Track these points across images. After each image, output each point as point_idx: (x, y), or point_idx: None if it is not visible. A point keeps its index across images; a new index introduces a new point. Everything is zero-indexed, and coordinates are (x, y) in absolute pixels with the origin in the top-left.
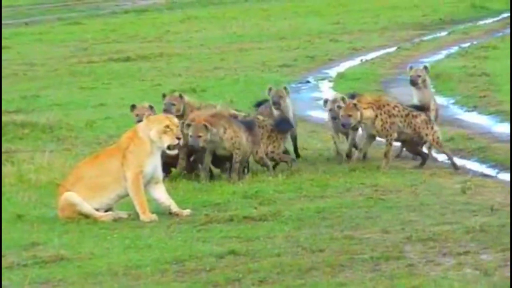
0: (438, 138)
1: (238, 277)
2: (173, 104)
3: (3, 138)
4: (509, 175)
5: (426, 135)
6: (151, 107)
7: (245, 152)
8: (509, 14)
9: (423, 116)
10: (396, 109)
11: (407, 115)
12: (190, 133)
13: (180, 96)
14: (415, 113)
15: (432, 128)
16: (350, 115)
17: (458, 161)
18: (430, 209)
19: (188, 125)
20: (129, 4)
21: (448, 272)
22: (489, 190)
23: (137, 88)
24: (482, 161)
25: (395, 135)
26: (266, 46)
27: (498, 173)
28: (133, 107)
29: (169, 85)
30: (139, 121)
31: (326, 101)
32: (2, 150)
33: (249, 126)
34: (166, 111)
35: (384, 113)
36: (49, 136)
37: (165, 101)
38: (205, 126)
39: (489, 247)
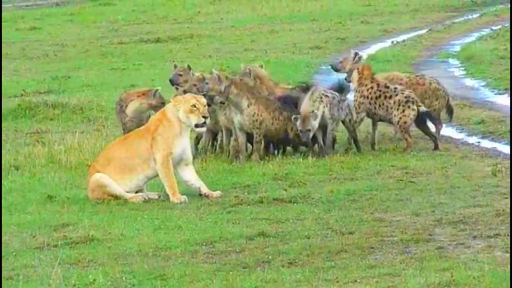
0: (404, 122)
1: (267, 259)
2: (180, 75)
3: (33, 119)
4: None
5: (394, 116)
6: (189, 67)
7: (269, 131)
8: None
9: (398, 97)
10: (370, 90)
11: (378, 97)
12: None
13: (189, 67)
14: (389, 94)
15: (403, 111)
16: None
17: (489, 144)
18: (460, 191)
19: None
20: None
21: (478, 254)
22: None
23: (167, 69)
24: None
25: (363, 114)
26: (296, 28)
27: None
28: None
29: (199, 67)
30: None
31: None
32: (33, 130)
33: (289, 101)
34: (171, 80)
35: (358, 92)
36: (79, 117)
37: (173, 71)
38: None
39: None
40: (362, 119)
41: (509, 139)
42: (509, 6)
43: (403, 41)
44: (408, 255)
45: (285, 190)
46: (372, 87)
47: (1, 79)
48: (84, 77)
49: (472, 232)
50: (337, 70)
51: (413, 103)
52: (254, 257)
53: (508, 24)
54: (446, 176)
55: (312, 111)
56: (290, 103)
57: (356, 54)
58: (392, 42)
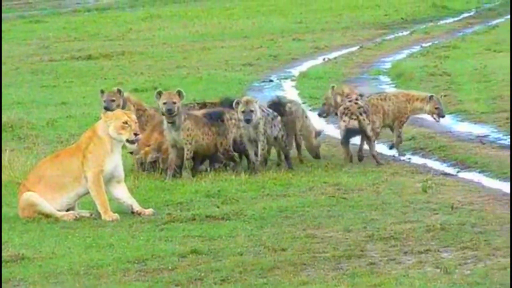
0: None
1: (200, 276)
2: (113, 100)
3: None
4: (469, 173)
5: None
6: (119, 91)
7: (200, 147)
8: (470, 14)
9: (341, 108)
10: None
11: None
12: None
13: (119, 91)
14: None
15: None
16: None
17: (419, 160)
18: (391, 207)
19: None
20: (91, 2)
21: (409, 270)
22: (450, 188)
23: (99, 86)
24: (442, 160)
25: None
26: (229, 45)
27: (458, 171)
28: (102, 92)
29: (131, 84)
30: (105, 106)
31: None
32: None
33: (215, 116)
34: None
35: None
36: (10, 134)
37: (104, 98)
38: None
39: (450, 245)
40: (378, 133)
41: (440, 155)
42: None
43: (335, 58)
44: (340, 271)
45: (218, 207)
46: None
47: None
48: (14, 95)
49: (403, 248)
50: (326, 113)
51: (346, 114)
52: (187, 275)
53: (437, 41)
54: (377, 192)
55: (256, 100)
56: (216, 118)
57: (333, 87)
58: (324, 59)
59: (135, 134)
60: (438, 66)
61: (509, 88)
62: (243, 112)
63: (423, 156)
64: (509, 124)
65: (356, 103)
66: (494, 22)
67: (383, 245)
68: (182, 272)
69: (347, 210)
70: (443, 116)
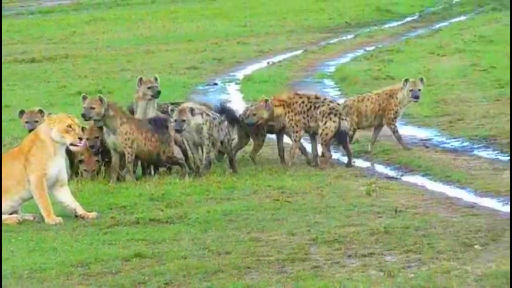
0: (326, 134)
1: (144, 280)
2: (93, 108)
3: None
4: (413, 177)
5: (318, 126)
6: (41, 112)
7: (141, 152)
8: (414, 18)
9: (325, 108)
10: (302, 104)
11: (309, 109)
12: (84, 105)
13: (100, 99)
14: (318, 104)
15: (325, 122)
16: (254, 114)
17: (364, 164)
18: (335, 211)
19: (84, 98)
20: (35, 5)
21: (353, 273)
22: (393, 192)
23: (42, 89)
24: (386, 163)
25: (302, 132)
26: (173, 48)
27: (402, 175)
28: (21, 113)
29: (75, 87)
30: (30, 127)
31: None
32: None
33: (159, 124)
34: (84, 115)
35: (292, 111)
36: None
37: (85, 104)
38: (101, 99)
39: (393, 249)
40: (301, 137)
41: (384, 159)
42: (382, 27)
43: (279, 61)
44: (284, 275)
45: (162, 210)
46: (303, 101)
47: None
48: None
49: (347, 251)
50: (254, 124)
51: (335, 115)
52: (130, 278)
53: (381, 45)
54: (321, 195)
55: (192, 109)
56: (160, 126)
57: (266, 100)
58: (268, 62)
59: (79, 138)
60: (382, 69)
61: (452, 91)
62: (175, 121)
63: (367, 159)
64: (452, 127)
65: (339, 104)
66: (437, 26)
67: (327, 249)
68: (125, 275)
69: (291, 213)
70: (416, 97)
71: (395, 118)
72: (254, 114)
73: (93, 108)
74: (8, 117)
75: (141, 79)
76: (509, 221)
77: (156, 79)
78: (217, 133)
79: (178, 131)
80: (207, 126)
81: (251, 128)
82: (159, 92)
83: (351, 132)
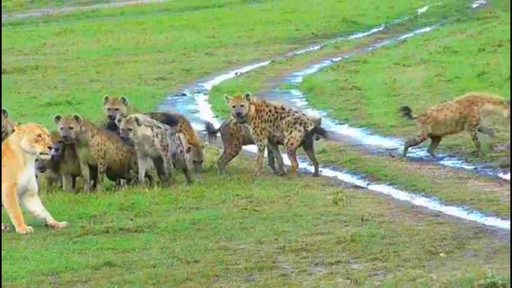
0: (292, 145)
1: None
2: (117, 109)
3: None
4: (379, 186)
5: (284, 136)
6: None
7: (113, 162)
8: (379, 29)
9: (290, 118)
10: (269, 113)
11: (277, 118)
12: (60, 125)
13: (76, 118)
14: (284, 114)
15: (291, 132)
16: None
17: (330, 173)
18: (303, 220)
19: (58, 118)
20: (5, 17)
21: (320, 281)
22: (360, 201)
23: (13, 100)
24: (353, 172)
25: (265, 141)
26: (142, 59)
27: (368, 184)
28: (57, 118)
29: (45, 98)
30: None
31: None
32: None
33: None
34: (66, 137)
35: (259, 118)
36: None
37: (61, 125)
38: (76, 118)
39: (360, 257)
40: (265, 145)
41: (350, 168)
42: (348, 39)
43: (247, 72)
44: (252, 283)
45: (131, 220)
46: (270, 110)
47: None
48: None
49: (314, 260)
50: (244, 116)
51: (300, 124)
52: (101, 287)
53: (348, 56)
54: (289, 204)
55: (137, 119)
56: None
57: (247, 95)
58: (236, 73)
59: (49, 148)
60: (348, 80)
61: (417, 101)
62: (121, 129)
63: (334, 169)
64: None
65: (304, 114)
66: (402, 37)
67: (294, 257)
68: (96, 284)
69: (259, 222)
70: None
71: (477, 124)
72: (242, 106)
73: (72, 128)
74: None
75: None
76: (474, 229)
77: (123, 98)
78: (170, 144)
79: (123, 139)
80: (158, 138)
81: (231, 132)
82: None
83: (419, 140)
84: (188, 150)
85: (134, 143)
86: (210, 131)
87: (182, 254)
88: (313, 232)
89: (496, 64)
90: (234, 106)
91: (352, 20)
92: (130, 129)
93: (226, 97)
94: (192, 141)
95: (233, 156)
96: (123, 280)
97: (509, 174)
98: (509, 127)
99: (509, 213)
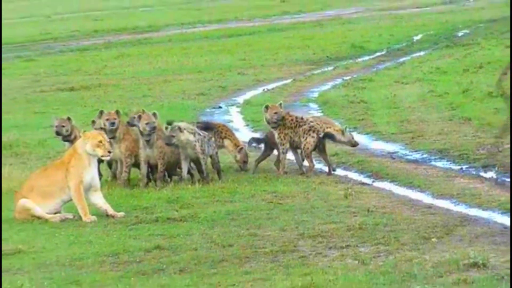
0: (307, 148)
1: (162, 267)
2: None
3: None
4: (382, 183)
5: (301, 142)
6: (117, 112)
7: (168, 163)
8: (382, 53)
9: (305, 126)
10: (291, 122)
11: (296, 126)
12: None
13: (154, 114)
14: (301, 123)
15: (306, 138)
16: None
17: (341, 172)
18: (318, 211)
19: (101, 112)
20: (74, 44)
21: (333, 262)
22: (366, 195)
23: (80, 112)
24: (360, 172)
25: (287, 145)
26: (185, 78)
27: (373, 181)
28: (101, 112)
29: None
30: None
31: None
32: None
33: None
34: (57, 133)
35: (283, 125)
36: (8, 152)
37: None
38: (117, 112)
39: (366, 242)
40: (287, 149)
41: (358, 168)
42: (356, 61)
43: (272, 88)
44: (276, 263)
45: (177, 211)
46: (292, 119)
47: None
48: (12, 120)
49: (328, 244)
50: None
51: (314, 131)
52: (151, 266)
53: (356, 75)
54: (307, 198)
55: (179, 127)
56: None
57: (280, 104)
58: (263, 89)
59: (108, 152)
60: (356, 95)
61: (413, 113)
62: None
63: (345, 169)
64: (414, 142)
65: (314, 120)
66: (401, 60)
67: (312, 242)
68: (147, 264)
69: (282, 213)
70: None
71: None
72: (276, 113)
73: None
74: (52, 135)
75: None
76: (460, 218)
77: (154, 114)
78: (207, 148)
79: (167, 144)
80: (199, 143)
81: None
82: (154, 127)
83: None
84: (240, 150)
85: (178, 147)
86: (257, 142)
87: (219, 239)
88: (327, 221)
89: (478, 82)
90: (275, 113)
91: (359, 45)
92: (173, 136)
93: (267, 106)
94: (240, 145)
95: (265, 157)
96: (170, 260)
97: (489, 173)
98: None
99: (489, 205)
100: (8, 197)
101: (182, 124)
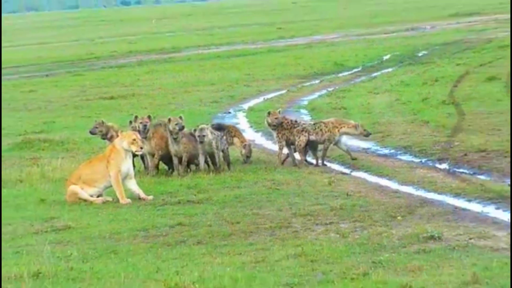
0: (300, 145)
1: (183, 240)
2: (98, 129)
3: (31, 149)
4: (358, 173)
5: (295, 140)
6: (149, 117)
7: (191, 156)
8: (358, 69)
9: (299, 127)
10: (287, 124)
11: (291, 128)
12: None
13: (180, 117)
14: (296, 125)
15: (299, 137)
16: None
17: (328, 163)
18: (308, 195)
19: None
20: (113, 62)
21: (320, 235)
22: (346, 182)
23: (117, 117)
24: (341, 164)
25: (284, 143)
26: (202, 89)
27: (351, 171)
28: (135, 117)
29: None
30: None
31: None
32: (31, 157)
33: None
34: (91, 132)
35: (281, 126)
36: (60, 148)
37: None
38: (149, 117)
39: (345, 219)
40: (284, 146)
41: (340, 161)
42: (338, 76)
43: (271, 98)
44: (274, 237)
45: (195, 195)
46: (288, 122)
47: (1, 117)
48: (64, 122)
49: (315, 221)
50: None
51: (305, 132)
52: (175, 239)
53: (338, 87)
54: (299, 185)
55: (207, 128)
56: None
57: (279, 111)
58: (264, 98)
59: (141, 148)
60: (338, 102)
61: (383, 117)
62: (198, 135)
63: (329, 161)
64: (383, 140)
65: (305, 123)
66: (373, 75)
67: (302, 219)
68: (171, 237)
69: (279, 196)
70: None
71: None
72: (276, 118)
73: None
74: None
75: (169, 119)
76: (420, 201)
77: (180, 117)
78: (220, 145)
79: (201, 142)
80: (215, 141)
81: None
82: (183, 127)
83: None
84: (245, 146)
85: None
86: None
87: (228, 218)
88: (315, 203)
89: (434, 92)
90: (275, 118)
91: (340, 63)
92: (204, 135)
93: (269, 112)
94: (245, 142)
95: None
96: (189, 234)
97: (443, 165)
98: None
99: (443, 190)
100: (61, 184)
101: (205, 126)
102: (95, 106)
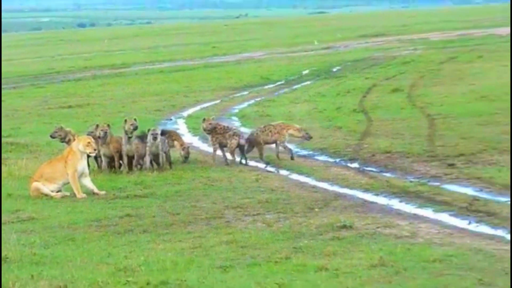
0: (231, 147)
1: (131, 229)
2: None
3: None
4: (282, 171)
5: (227, 143)
6: (108, 125)
7: (139, 156)
8: (282, 82)
9: (231, 132)
10: (220, 129)
11: (224, 132)
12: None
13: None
14: (227, 130)
15: (231, 140)
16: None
17: (254, 164)
18: (238, 190)
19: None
20: (71, 76)
21: (248, 225)
22: (271, 179)
23: (74, 123)
24: (267, 164)
25: (217, 145)
26: (147, 99)
27: (277, 170)
28: (97, 125)
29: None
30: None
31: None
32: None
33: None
34: (52, 136)
35: (214, 131)
36: (25, 150)
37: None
38: (108, 125)
39: (270, 211)
40: (217, 148)
41: (266, 161)
42: (264, 88)
43: (207, 106)
44: (210, 226)
45: (141, 190)
46: (221, 128)
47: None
48: (28, 128)
49: (245, 213)
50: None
51: (236, 136)
52: (124, 228)
53: (264, 97)
54: (230, 181)
55: (155, 129)
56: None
57: (213, 118)
58: (201, 107)
59: (94, 150)
60: (264, 111)
61: (303, 123)
62: (152, 134)
63: (257, 161)
64: (303, 143)
65: (235, 128)
66: (295, 87)
67: (234, 211)
68: (121, 226)
69: (214, 191)
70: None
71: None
72: (210, 123)
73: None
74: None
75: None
76: (334, 195)
77: (135, 119)
78: (165, 147)
79: (154, 139)
80: (161, 143)
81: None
82: (137, 127)
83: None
84: (184, 149)
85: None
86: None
87: (170, 210)
88: (244, 197)
89: (346, 102)
90: (210, 124)
91: (266, 77)
92: (158, 133)
93: (204, 119)
94: (184, 145)
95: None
96: (136, 224)
97: (354, 164)
98: None
99: (354, 186)
100: (25, 181)
101: (157, 128)
102: (55, 114)
